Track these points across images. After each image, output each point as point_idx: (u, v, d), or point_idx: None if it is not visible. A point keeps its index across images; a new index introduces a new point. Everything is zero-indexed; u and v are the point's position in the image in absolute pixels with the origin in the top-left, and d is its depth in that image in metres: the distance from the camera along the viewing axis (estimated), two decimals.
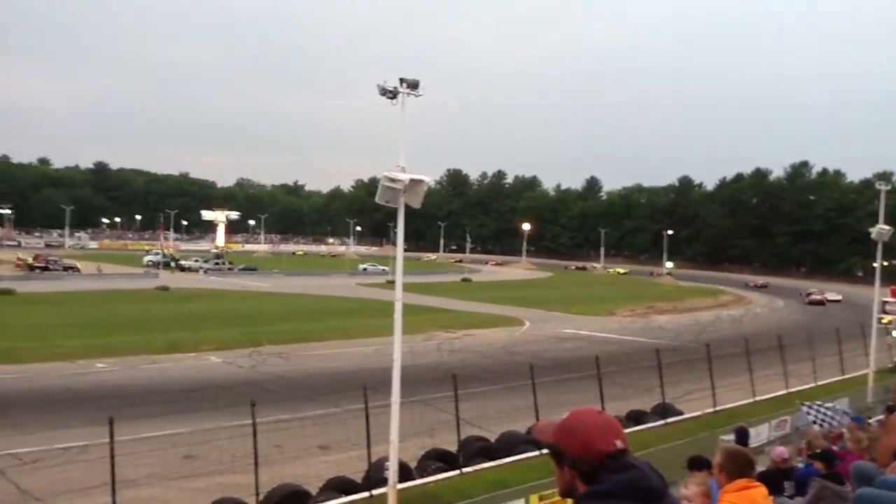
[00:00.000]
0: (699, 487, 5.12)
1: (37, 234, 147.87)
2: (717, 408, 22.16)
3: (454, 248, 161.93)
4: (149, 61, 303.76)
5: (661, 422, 20.18)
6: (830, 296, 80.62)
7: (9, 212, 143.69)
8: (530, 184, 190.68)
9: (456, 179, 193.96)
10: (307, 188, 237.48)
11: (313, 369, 28.41)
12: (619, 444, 2.18)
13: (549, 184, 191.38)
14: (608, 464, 2.14)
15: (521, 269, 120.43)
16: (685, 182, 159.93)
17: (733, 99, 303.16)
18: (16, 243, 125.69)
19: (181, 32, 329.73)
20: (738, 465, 4.50)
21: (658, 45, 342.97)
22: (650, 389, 22.45)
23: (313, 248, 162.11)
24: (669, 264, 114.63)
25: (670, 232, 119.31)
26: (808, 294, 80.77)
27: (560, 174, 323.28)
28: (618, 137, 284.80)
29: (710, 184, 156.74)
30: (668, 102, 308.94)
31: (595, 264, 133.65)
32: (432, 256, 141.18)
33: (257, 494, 12.63)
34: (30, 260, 79.45)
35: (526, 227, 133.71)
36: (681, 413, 21.36)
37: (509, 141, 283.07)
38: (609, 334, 41.87)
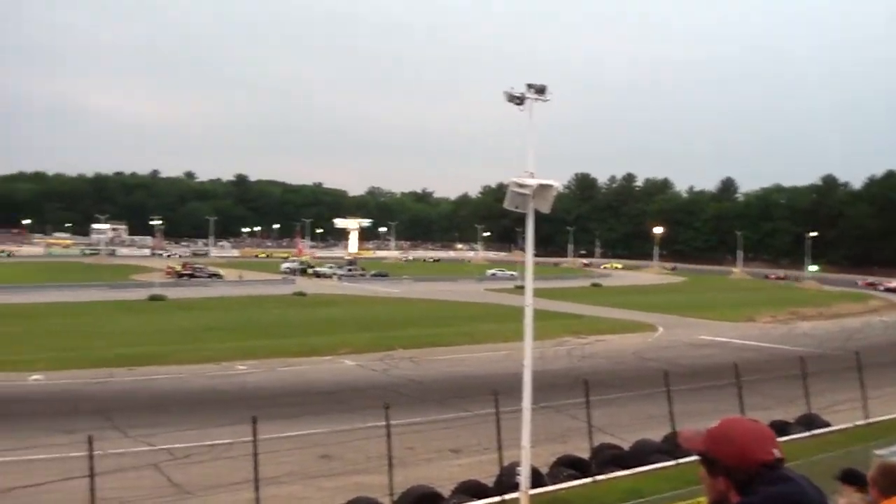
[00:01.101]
0: (852, 502, 4.82)
1: (184, 243, 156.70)
2: (869, 420, 20.77)
3: (583, 252, 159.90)
4: (283, 78, 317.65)
5: (807, 433, 19.12)
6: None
7: (159, 223, 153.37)
8: (661, 186, 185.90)
9: (584, 183, 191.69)
10: (435, 195, 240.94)
11: (443, 373, 28.71)
12: (776, 453, 2.08)
13: (681, 186, 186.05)
14: (763, 474, 2.05)
15: (652, 274, 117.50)
16: (829, 181, 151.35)
17: (882, 93, 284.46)
18: (165, 253, 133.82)
19: (310, 50, 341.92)
20: (894, 481, 4.21)
21: (793, 42, 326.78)
22: (793, 399, 21.33)
23: (441, 253, 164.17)
24: (813, 268, 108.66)
25: (813, 234, 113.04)
26: (874, 285, 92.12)
27: (693, 176, 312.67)
28: (754, 138, 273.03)
29: (856, 182, 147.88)
30: (809, 100, 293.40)
31: (733, 268, 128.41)
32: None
33: (391, 495, 12.87)
34: (178, 268, 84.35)
35: (658, 230, 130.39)
36: (828, 424, 20.17)
37: (639, 144, 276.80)
38: (748, 341, 40.11)
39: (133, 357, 29.89)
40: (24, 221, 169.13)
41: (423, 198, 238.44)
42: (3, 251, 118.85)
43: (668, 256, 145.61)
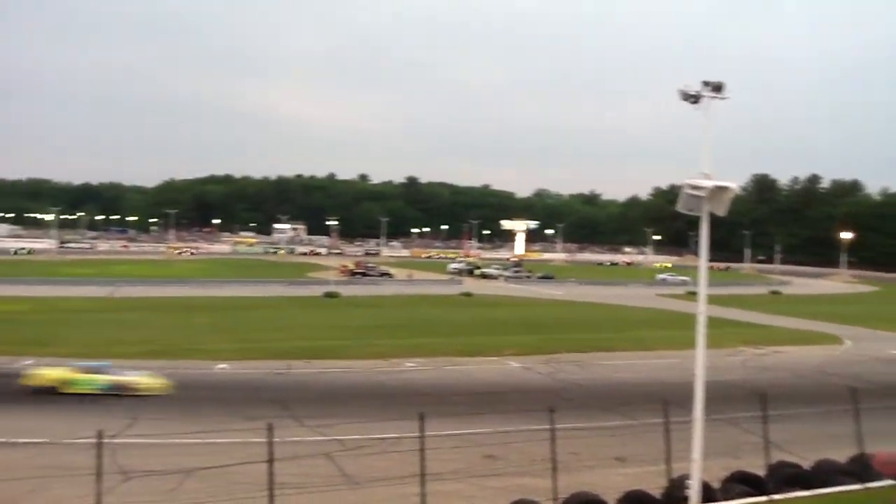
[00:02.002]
0: None
1: (357, 243, 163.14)
2: None
3: (761, 258, 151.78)
4: (453, 82, 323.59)
5: None
6: None
7: (335, 223, 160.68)
8: (850, 188, 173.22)
9: (762, 185, 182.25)
10: (603, 197, 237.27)
11: (609, 379, 28.15)
12: None
13: (873, 188, 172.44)
14: None
15: (839, 283, 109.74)
16: None
17: None
18: (340, 252, 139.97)
19: (481, 53, 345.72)
20: None
21: None
22: None
23: (609, 257, 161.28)
24: None
25: None
26: None
27: (888, 177, 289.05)
28: None
29: None
30: None
31: None
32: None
33: (555, 499, 12.74)
34: (351, 266, 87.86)
35: (846, 235, 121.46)
36: None
37: (825, 143, 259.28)
38: None
39: (309, 350, 31.44)
40: (215, 221, 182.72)
41: (591, 200, 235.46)
42: (23, 248, 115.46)
43: (858, 264, 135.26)
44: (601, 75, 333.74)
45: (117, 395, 22.59)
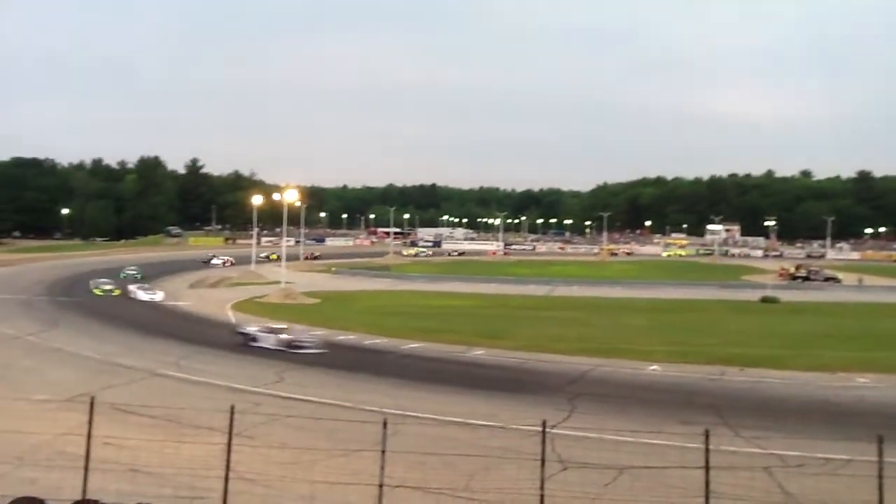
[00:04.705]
0: None
1: (798, 244, 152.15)
2: None
3: None
4: None
5: None
6: None
7: (773, 223, 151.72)
8: None
9: None
10: None
11: None
12: None
13: None
14: None
15: None
16: None
17: None
18: (778, 254, 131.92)
19: None
20: None
21: None
22: None
23: None
24: None
25: None
26: None
27: None
28: None
29: None
30: None
31: None
32: None
33: None
34: (792, 270, 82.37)
35: None
36: None
37: None
38: None
39: (744, 357, 30.11)
40: (647, 223, 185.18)
41: None
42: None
43: None
44: None
45: None
